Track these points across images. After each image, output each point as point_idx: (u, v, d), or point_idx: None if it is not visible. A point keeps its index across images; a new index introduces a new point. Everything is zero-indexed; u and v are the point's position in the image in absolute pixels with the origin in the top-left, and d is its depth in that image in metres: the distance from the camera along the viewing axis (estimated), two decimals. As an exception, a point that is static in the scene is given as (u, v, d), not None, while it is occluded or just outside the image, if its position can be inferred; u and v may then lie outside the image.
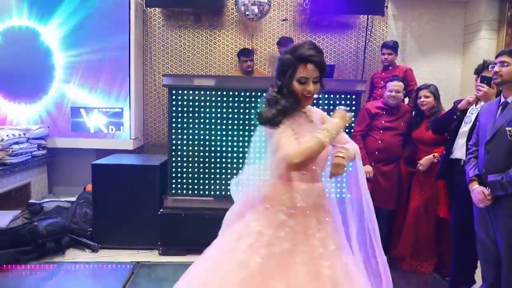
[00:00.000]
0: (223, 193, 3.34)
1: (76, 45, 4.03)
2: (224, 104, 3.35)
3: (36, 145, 3.79)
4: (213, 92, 3.33)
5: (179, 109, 3.36)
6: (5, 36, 4.03)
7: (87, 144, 4.12)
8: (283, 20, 4.41)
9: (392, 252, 3.28)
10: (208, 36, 4.47)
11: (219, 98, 3.33)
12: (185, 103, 3.36)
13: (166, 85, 3.36)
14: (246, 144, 3.28)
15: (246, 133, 3.32)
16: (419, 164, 3.02)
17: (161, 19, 4.43)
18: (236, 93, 3.33)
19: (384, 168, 3.11)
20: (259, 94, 3.26)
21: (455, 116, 2.67)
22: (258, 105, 1.70)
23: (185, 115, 3.37)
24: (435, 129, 2.89)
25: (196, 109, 3.35)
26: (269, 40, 4.49)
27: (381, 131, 3.11)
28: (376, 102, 3.29)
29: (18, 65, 4.03)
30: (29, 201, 3.81)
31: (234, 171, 3.26)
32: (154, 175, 3.41)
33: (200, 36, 4.46)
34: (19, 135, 3.53)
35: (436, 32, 4.56)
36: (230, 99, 3.34)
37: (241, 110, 3.33)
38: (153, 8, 4.36)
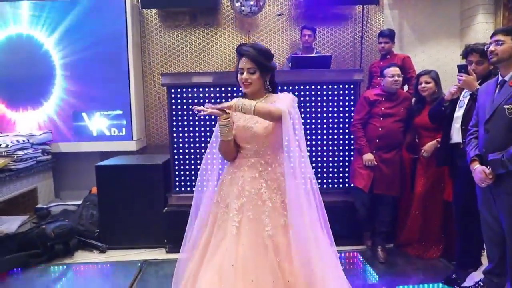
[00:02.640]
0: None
1: (74, 50, 4.07)
2: (224, 100, 3.36)
3: (40, 151, 3.83)
4: (212, 89, 3.36)
5: (179, 107, 3.38)
6: (6, 45, 4.08)
7: (90, 147, 4.16)
8: (279, 15, 4.42)
9: (399, 238, 3.29)
10: (205, 35, 4.49)
11: (218, 95, 3.36)
12: (184, 101, 3.38)
13: (164, 84, 3.39)
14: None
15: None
16: (423, 151, 3.02)
17: (157, 20, 4.46)
18: (235, 89, 3.34)
19: (385, 155, 3.11)
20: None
21: (443, 107, 2.69)
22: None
23: (185, 113, 3.39)
24: (431, 119, 2.91)
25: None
26: (266, 35, 4.51)
27: (381, 118, 3.11)
28: (374, 90, 3.29)
29: (19, 73, 4.08)
30: (36, 206, 3.86)
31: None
32: (157, 174, 3.43)
33: (197, 35, 4.48)
34: (23, 140, 3.58)
35: (432, 19, 4.55)
36: (229, 94, 3.36)
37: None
38: (149, 10, 4.40)
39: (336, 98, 3.37)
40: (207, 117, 3.33)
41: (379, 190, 3.12)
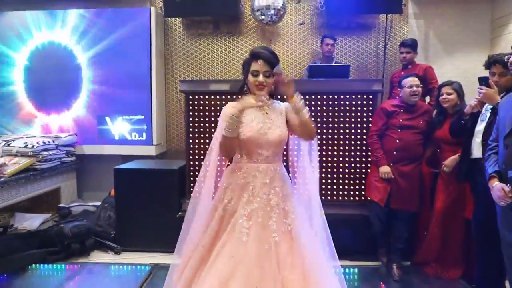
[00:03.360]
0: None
1: (100, 56, 4.24)
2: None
3: (65, 152, 3.98)
4: (229, 97, 3.38)
5: (196, 114, 3.43)
6: (39, 51, 4.30)
7: (112, 150, 4.28)
8: (301, 24, 4.42)
9: (416, 255, 3.15)
10: (227, 43, 4.55)
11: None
12: (201, 108, 3.43)
13: (183, 90, 3.45)
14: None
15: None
16: (443, 166, 2.89)
17: (181, 28, 4.57)
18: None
19: (403, 168, 3.00)
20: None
21: (463, 121, 2.57)
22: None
23: (202, 119, 3.43)
24: (451, 132, 2.79)
25: (213, 114, 3.40)
26: (287, 44, 4.50)
27: (399, 130, 3.02)
28: (392, 101, 3.20)
29: (50, 78, 4.29)
30: (59, 205, 4.01)
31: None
32: (173, 179, 3.48)
33: (219, 44, 4.55)
34: (48, 142, 3.74)
35: (460, 28, 4.39)
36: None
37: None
38: (173, 18, 4.52)
39: (354, 108, 3.30)
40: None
41: (396, 205, 3.01)
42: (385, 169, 2.99)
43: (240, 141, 1.90)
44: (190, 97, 3.43)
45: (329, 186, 3.36)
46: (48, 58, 4.28)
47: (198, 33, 4.56)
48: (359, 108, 3.30)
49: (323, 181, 3.34)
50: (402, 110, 3.05)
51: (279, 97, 2.12)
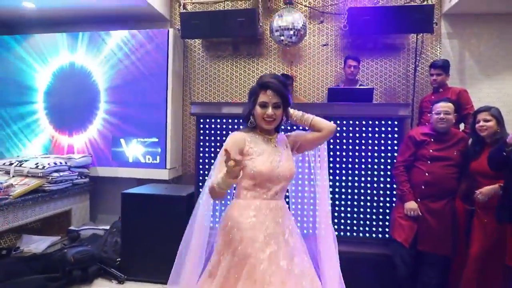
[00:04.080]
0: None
1: (117, 77, 4.20)
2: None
3: (77, 173, 3.92)
4: (241, 120, 3.18)
5: (207, 138, 3.26)
6: (60, 72, 4.35)
7: (126, 173, 4.18)
8: (324, 45, 4.20)
9: (448, 306, 2.74)
10: (247, 65, 4.41)
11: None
12: (212, 131, 3.25)
13: (193, 113, 3.30)
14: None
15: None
16: (478, 193, 2.51)
17: (200, 50, 4.49)
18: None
19: (433, 205, 2.64)
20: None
21: (504, 152, 2.21)
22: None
23: (213, 144, 3.26)
24: (490, 164, 2.42)
25: (224, 138, 3.21)
26: (309, 66, 4.29)
27: (429, 162, 2.67)
28: (422, 128, 2.87)
29: (69, 99, 4.30)
30: (69, 227, 3.91)
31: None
32: (181, 206, 3.28)
33: (238, 66, 4.41)
34: (60, 163, 3.68)
35: (500, 49, 3.99)
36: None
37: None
38: (193, 40, 4.45)
39: (377, 135, 3.00)
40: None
41: (424, 247, 2.63)
42: (411, 205, 2.64)
43: (249, 175, 1.72)
44: (201, 120, 3.27)
45: (349, 221, 3.03)
46: (68, 79, 4.31)
47: (217, 55, 4.46)
48: (383, 135, 2.99)
49: (342, 214, 3.03)
50: (432, 139, 2.71)
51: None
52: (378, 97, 4.14)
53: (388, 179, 2.97)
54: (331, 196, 3.04)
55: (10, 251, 3.22)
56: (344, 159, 3.04)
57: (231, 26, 3.76)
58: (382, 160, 2.99)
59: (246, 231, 1.66)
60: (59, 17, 4.37)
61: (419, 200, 2.67)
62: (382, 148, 2.99)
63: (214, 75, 4.47)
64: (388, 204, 2.98)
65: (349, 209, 3.03)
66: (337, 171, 3.04)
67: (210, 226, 1.90)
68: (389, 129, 2.98)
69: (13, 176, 3.47)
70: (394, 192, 2.91)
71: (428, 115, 3.00)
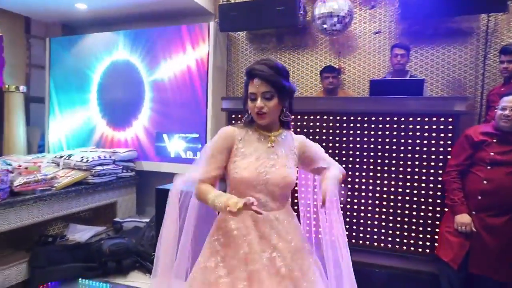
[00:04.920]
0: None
1: (160, 73, 4.24)
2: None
3: (122, 167, 4.03)
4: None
5: (239, 134, 3.11)
6: (110, 70, 4.53)
7: (167, 168, 4.21)
8: (376, 33, 3.77)
9: None
10: (291, 57, 4.15)
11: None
12: (245, 127, 3.09)
13: (224, 109, 3.16)
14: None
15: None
16: None
17: (243, 43, 4.34)
18: (299, 117, 2.89)
19: (491, 220, 2.18)
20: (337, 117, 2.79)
21: None
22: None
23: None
24: None
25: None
26: (359, 56, 3.90)
27: (488, 167, 2.21)
28: (482, 127, 2.39)
29: (118, 95, 4.46)
30: (114, 219, 4.06)
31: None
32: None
33: (283, 58, 4.18)
34: (104, 157, 3.81)
35: None
36: (292, 123, 2.92)
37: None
38: (236, 33, 4.32)
39: (427, 134, 2.58)
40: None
41: (477, 270, 2.19)
42: (463, 219, 2.21)
43: (230, 180, 1.51)
44: (233, 116, 3.13)
45: (390, 231, 2.66)
46: (116, 77, 4.46)
47: (261, 47, 4.27)
48: (433, 135, 2.56)
49: (383, 224, 2.67)
50: (495, 140, 2.25)
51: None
52: (439, 90, 3.61)
53: (439, 186, 2.54)
54: (370, 201, 2.70)
55: (56, 239, 3.40)
56: (387, 161, 2.67)
57: (270, 16, 3.54)
58: (432, 164, 2.56)
59: (227, 247, 1.49)
60: (108, 16, 4.54)
61: (473, 213, 2.22)
62: (432, 149, 2.56)
63: (257, 69, 4.29)
64: (438, 215, 2.55)
65: (390, 218, 2.66)
66: (378, 175, 2.68)
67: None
68: (442, 127, 2.54)
69: (62, 169, 3.67)
70: (445, 202, 2.47)
71: (495, 110, 2.50)
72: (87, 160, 3.64)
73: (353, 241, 2.73)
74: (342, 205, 1.64)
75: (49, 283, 3.10)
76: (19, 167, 3.08)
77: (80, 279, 3.18)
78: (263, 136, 1.54)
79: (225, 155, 1.51)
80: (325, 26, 3.40)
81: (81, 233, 3.68)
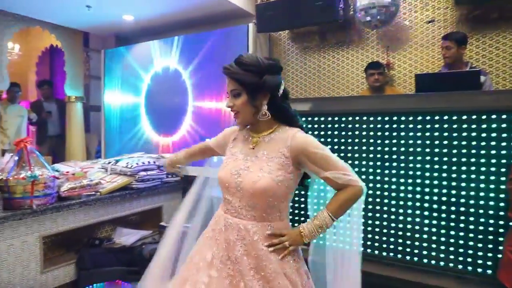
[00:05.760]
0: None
1: (202, 78, 4.24)
2: (329, 132, 2.73)
3: (166, 172, 4.09)
4: (310, 118, 2.78)
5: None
6: (157, 77, 4.66)
7: (211, 173, 4.18)
8: (429, 22, 3.39)
9: None
10: (335, 55, 3.91)
11: (316, 125, 2.75)
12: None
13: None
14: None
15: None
16: None
17: (285, 43, 4.19)
18: (335, 119, 2.67)
19: None
20: (385, 117, 2.53)
21: None
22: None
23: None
24: None
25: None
26: (410, 50, 3.53)
27: None
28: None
29: (164, 101, 4.57)
30: (160, 223, 4.14)
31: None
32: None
33: (326, 56, 3.95)
34: (149, 162, 3.90)
35: None
36: (329, 125, 2.70)
37: (351, 138, 2.64)
38: (277, 33, 4.18)
39: (485, 135, 2.20)
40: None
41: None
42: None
43: None
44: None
45: (442, 247, 2.32)
46: (163, 83, 4.57)
47: (303, 46, 4.09)
48: (493, 135, 2.18)
49: (434, 238, 2.34)
50: None
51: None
52: (507, 83, 3.12)
53: (501, 196, 2.15)
54: (418, 212, 2.38)
55: (102, 242, 3.54)
56: (436, 166, 2.34)
57: (308, 12, 3.36)
58: (492, 169, 2.18)
59: (204, 245, 1.45)
60: (154, 25, 4.69)
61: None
62: (493, 152, 2.18)
63: (300, 68, 4.11)
64: (500, 230, 2.16)
65: (442, 231, 2.32)
66: (426, 182, 2.36)
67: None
68: (503, 126, 2.15)
69: (109, 174, 3.83)
70: (508, 215, 2.08)
71: None
72: (132, 166, 3.74)
73: (399, 256, 2.44)
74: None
75: (94, 284, 3.22)
76: (66, 173, 3.25)
77: (122, 282, 3.27)
78: (250, 137, 1.46)
79: (219, 148, 1.70)
80: (368, 18, 3.13)
81: (127, 237, 3.79)
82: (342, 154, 2.62)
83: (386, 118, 2.50)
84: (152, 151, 4.66)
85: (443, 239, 2.32)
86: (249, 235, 1.33)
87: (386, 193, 2.50)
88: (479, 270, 2.22)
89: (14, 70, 5.58)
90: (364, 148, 2.57)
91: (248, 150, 1.42)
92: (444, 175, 2.32)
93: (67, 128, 5.19)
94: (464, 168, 2.26)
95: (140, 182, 3.77)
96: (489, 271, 2.19)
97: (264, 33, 3.98)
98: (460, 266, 2.27)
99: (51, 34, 4.93)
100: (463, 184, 2.26)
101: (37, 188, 2.86)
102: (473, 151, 2.24)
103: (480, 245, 2.22)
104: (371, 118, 2.54)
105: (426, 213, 2.37)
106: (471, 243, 2.24)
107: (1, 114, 4.55)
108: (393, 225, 2.47)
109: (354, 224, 1.43)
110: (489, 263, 2.20)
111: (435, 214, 2.34)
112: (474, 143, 2.24)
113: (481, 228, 2.22)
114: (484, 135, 2.21)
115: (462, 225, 2.27)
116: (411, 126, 2.42)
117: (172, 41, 4.48)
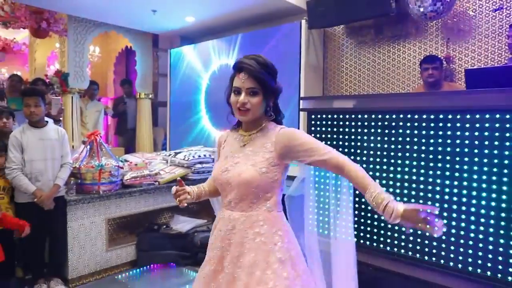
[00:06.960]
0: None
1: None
2: (372, 130, 2.68)
3: (220, 166, 4.32)
4: (353, 116, 2.74)
5: (318, 135, 2.97)
6: (215, 75, 4.90)
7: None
8: (496, 10, 3.10)
9: None
10: (391, 49, 3.76)
11: (359, 123, 2.71)
12: (323, 128, 2.94)
13: (303, 109, 3.07)
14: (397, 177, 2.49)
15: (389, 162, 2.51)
16: None
17: (340, 38, 4.12)
18: (380, 116, 2.60)
19: None
20: (431, 116, 2.44)
21: None
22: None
23: (325, 141, 2.95)
24: None
25: (335, 136, 2.86)
26: (473, 42, 3.27)
27: None
28: None
29: (220, 98, 4.77)
30: (215, 213, 4.38)
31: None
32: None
33: (381, 50, 3.82)
34: (204, 155, 4.15)
35: None
36: (372, 123, 2.64)
37: (399, 137, 2.57)
38: (332, 28, 4.13)
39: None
40: (352, 149, 2.79)
41: None
42: None
43: None
44: (313, 116, 3.01)
45: (480, 253, 2.16)
46: (220, 80, 4.79)
47: (358, 40, 3.99)
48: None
49: (471, 242, 2.18)
50: None
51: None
52: None
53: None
54: (454, 215, 2.24)
55: (160, 227, 3.87)
56: (476, 168, 2.17)
57: (358, 6, 3.28)
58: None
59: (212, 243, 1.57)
60: (213, 25, 4.92)
61: None
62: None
63: (354, 64, 4.03)
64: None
65: (481, 236, 2.15)
66: (465, 183, 2.20)
67: None
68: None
69: (169, 165, 4.15)
70: None
71: None
72: (188, 159, 4.02)
73: (426, 258, 2.32)
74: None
75: (151, 265, 3.56)
76: (130, 163, 3.62)
77: (175, 265, 3.56)
78: (241, 136, 1.53)
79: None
80: (421, 9, 2.97)
81: (183, 224, 4.09)
82: (378, 153, 2.56)
83: (432, 116, 2.37)
84: (212, 145, 4.93)
85: (480, 245, 2.15)
86: (238, 224, 1.43)
87: (430, 195, 2.39)
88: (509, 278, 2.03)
89: (95, 70, 6.28)
90: (407, 147, 2.47)
91: (238, 148, 1.50)
92: (484, 177, 2.14)
93: (137, 122, 5.71)
94: (506, 171, 2.07)
95: (196, 174, 4.03)
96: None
97: (315, 29, 3.96)
98: (499, 275, 2.10)
99: (125, 37, 5.45)
100: (504, 188, 2.07)
101: (103, 176, 3.24)
102: (528, 154, 2.04)
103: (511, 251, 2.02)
104: (416, 116, 2.43)
105: (463, 216, 2.21)
106: (500, 249, 2.06)
107: (82, 110, 5.16)
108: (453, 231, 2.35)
109: (343, 214, 1.46)
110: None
111: (472, 218, 2.18)
112: (529, 144, 2.03)
113: (535, 238, 2.02)
114: (542, 136, 2.00)
115: (501, 231, 2.08)
116: (458, 125, 2.27)
117: (230, 40, 4.67)
